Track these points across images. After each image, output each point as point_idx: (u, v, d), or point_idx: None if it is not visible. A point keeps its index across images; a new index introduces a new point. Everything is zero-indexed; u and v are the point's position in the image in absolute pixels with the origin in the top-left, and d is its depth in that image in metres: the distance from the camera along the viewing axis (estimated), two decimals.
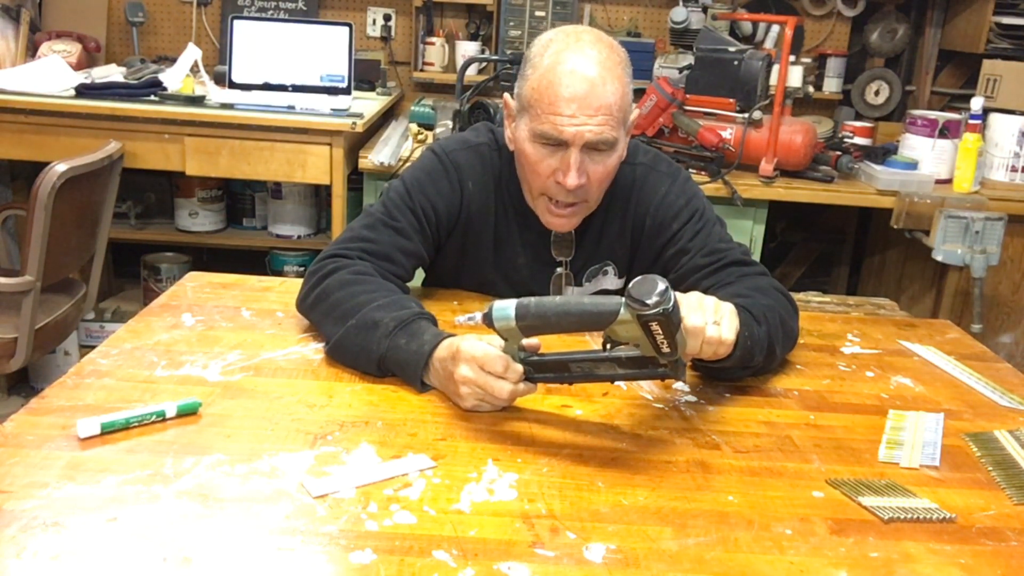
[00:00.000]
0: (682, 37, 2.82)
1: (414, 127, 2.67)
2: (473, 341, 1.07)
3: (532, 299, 1.04)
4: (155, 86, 2.64)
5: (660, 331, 0.96)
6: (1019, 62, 2.89)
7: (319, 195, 3.19)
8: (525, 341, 1.07)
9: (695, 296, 1.10)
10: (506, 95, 1.38)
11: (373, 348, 1.14)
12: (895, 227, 2.60)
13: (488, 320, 1.04)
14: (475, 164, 1.42)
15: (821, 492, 0.95)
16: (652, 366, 1.02)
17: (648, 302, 0.93)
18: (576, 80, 1.24)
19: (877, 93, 3.31)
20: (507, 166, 1.41)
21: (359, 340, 1.16)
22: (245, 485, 0.88)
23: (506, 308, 1.03)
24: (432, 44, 3.28)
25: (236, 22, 2.87)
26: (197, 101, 2.62)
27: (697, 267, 1.37)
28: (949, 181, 2.70)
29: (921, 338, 1.45)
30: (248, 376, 1.13)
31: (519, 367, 1.06)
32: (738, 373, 1.22)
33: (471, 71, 3.11)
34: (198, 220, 3.15)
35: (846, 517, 0.91)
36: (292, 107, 2.58)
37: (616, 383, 1.18)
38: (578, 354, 1.07)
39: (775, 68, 2.60)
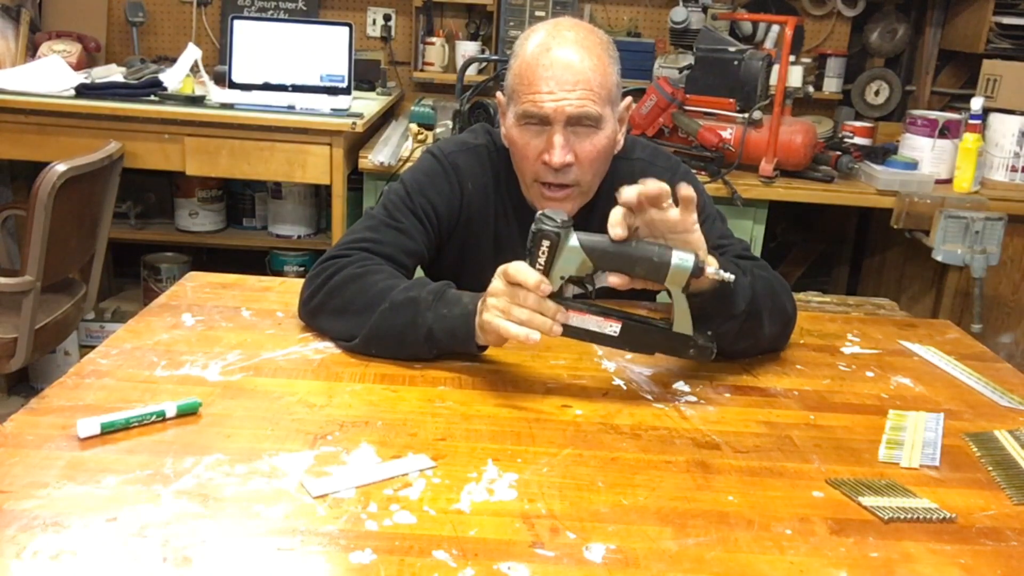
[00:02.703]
0: (682, 37, 2.82)
1: (414, 127, 2.67)
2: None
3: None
4: (155, 86, 2.65)
5: (545, 251, 1.07)
6: (1019, 62, 2.89)
7: (319, 195, 3.19)
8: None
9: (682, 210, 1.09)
10: (498, 93, 1.39)
11: (420, 323, 1.16)
12: (895, 227, 2.60)
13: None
14: (474, 165, 1.42)
15: (821, 492, 0.95)
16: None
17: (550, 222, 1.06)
18: (553, 58, 1.27)
19: (877, 93, 3.31)
20: (505, 167, 1.42)
21: (401, 320, 1.17)
22: (245, 485, 0.88)
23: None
24: (432, 44, 3.28)
25: (236, 22, 2.88)
26: (197, 101, 2.62)
27: None
28: (949, 181, 2.70)
29: (921, 338, 1.45)
30: (248, 376, 1.13)
31: (549, 285, 1.08)
32: (722, 324, 1.18)
33: (471, 71, 3.11)
34: (198, 220, 3.15)
35: (846, 517, 0.91)
36: (292, 107, 2.58)
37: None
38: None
39: (775, 68, 2.60)
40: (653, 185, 1.06)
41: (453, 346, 1.18)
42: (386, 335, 1.19)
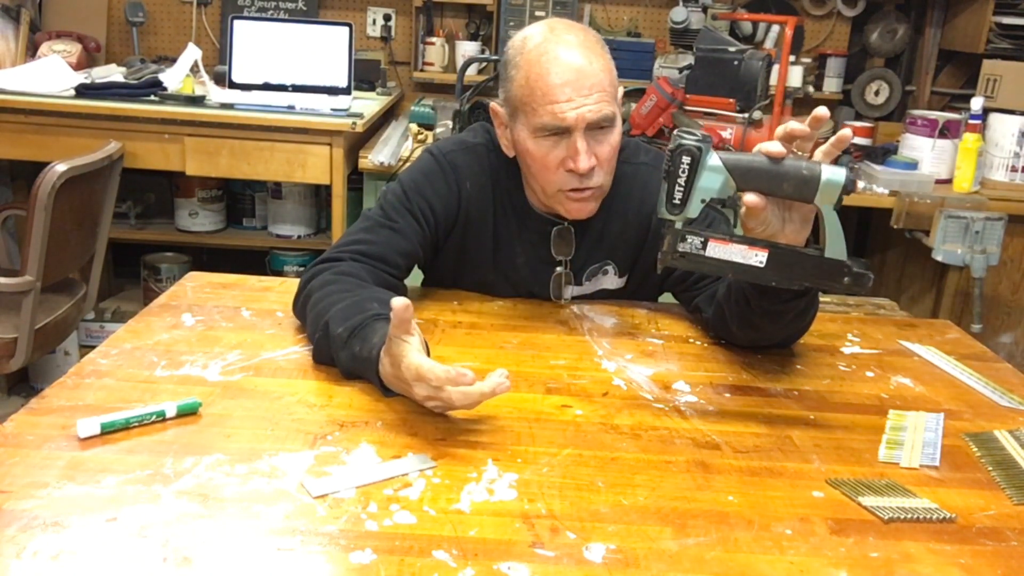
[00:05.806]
0: (682, 37, 2.82)
1: (414, 127, 2.67)
2: (413, 355, 1.00)
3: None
4: (155, 86, 2.65)
5: (685, 169, 1.00)
6: (1019, 62, 2.89)
7: (319, 195, 3.19)
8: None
9: None
10: (493, 104, 1.38)
11: (336, 360, 1.14)
12: (895, 227, 2.60)
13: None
14: (472, 165, 1.42)
15: (821, 492, 0.95)
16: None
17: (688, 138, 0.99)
18: (563, 66, 1.26)
19: (877, 93, 3.31)
20: (504, 166, 1.42)
21: (327, 351, 1.15)
22: (245, 485, 0.88)
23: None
24: (432, 44, 3.28)
25: (236, 22, 2.88)
26: (197, 101, 2.62)
27: None
28: (949, 181, 2.70)
29: (921, 338, 1.45)
30: (248, 376, 1.13)
31: (468, 372, 0.97)
32: (789, 301, 1.18)
33: (471, 71, 3.11)
34: (198, 220, 3.15)
35: (846, 517, 0.91)
36: (292, 107, 2.58)
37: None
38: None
39: (775, 68, 2.60)
40: (822, 112, 1.06)
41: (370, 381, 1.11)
42: (325, 361, 1.16)
